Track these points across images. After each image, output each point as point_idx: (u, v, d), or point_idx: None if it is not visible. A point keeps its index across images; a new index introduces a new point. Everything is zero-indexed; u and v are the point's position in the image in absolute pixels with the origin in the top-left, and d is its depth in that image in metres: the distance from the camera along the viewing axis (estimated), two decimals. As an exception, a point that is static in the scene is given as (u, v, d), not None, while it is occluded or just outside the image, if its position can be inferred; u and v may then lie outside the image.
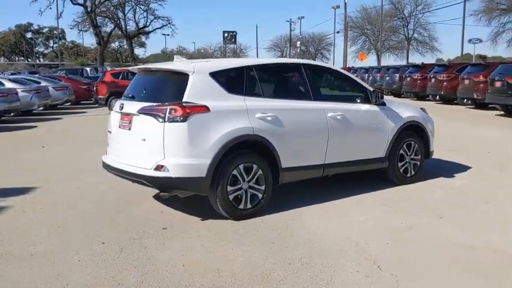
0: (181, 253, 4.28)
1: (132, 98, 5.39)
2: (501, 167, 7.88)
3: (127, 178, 5.30)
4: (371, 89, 6.41)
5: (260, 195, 5.26)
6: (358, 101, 6.25)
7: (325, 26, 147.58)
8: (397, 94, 26.93)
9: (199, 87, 4.99)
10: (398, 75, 27.03)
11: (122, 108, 5.29)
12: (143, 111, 4.99)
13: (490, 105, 18.00)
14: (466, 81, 19.05)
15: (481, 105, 18.46)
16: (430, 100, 23.48)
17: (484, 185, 6.71)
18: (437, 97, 23.02)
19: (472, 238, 4.59)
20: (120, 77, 19.01)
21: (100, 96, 18.65)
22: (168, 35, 51.91)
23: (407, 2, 51.03)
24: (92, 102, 22.03)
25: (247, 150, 5.15)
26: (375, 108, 6.30)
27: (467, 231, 4.78)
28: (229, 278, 3.76)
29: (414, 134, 6.77)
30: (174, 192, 5.07)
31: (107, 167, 5.58)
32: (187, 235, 4.74)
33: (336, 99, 6.09)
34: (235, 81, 5.27)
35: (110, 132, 5.66)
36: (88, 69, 33.22)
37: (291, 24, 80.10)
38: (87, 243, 4.54)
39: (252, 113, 5.18)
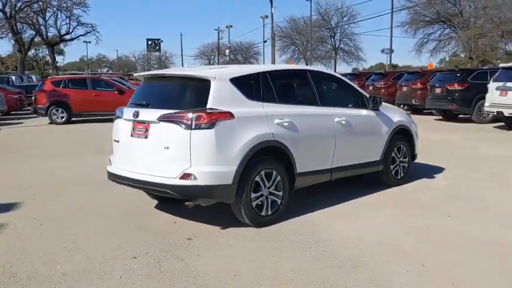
0: (223, 263, 4.16)
1: (146, 105, 5.16)
2: (471, 167, 8.41)
3: (143, 188, 5.08)
4: (367, 94, 6.63)
5: (279, 201, 5.24)
6: (357, 106, 6.42)
7: (254, 34, 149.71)
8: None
9: (221, 93, 4.90)
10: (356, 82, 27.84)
11: (136, 115, 5.05)
12: (165, 119, 4.80)
13: (424, 111, 19.13)
14: (404, 88, 20.13)
15: (417, 110, 19.58)
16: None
17: (467, 184, 7.12)
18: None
19: (493, 234, 4.85)
20: (62, 86, 18.05)
21: (40, 106, 17.56)
22: (90, 42, 49.78)
23: (334, 13, 53.18)
24: (26, 112, 20.74)
25: (267, 156, 5.12)
26: (371, 113, 6.51)
27: (485, 228, 5.03)
28: (289, 286, 3.71)
29: (402, 137, 7.07)
30: (198, 201, 4.92)
31: (116, 177, 5.31)
32: (218, 244, 4.62)
33: (339, 105, 6.22)
34: (253, 87, 5.23)
35: (117, 141, 5.38)
36: (13, 77, 31.22)
37: (219, 33, 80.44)
38: (117, 258, 4.28)
39: (271, 119, 5.17)
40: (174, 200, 5.84)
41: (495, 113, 14.10)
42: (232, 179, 4.77)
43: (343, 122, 6.00)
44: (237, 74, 5.18)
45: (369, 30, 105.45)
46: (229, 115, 4.79)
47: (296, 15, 66.01)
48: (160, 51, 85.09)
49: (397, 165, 6.95)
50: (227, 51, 78.09)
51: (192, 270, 4.01)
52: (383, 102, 6.83)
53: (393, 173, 6.92)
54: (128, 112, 5.24)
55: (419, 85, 19.23)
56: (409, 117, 7.44)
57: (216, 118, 4.70)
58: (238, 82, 5.08)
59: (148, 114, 4.98)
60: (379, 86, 23.16)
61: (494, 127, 14.93)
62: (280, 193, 5.24)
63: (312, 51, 54.23)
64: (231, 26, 76.01)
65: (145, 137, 5.00)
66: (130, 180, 5.11)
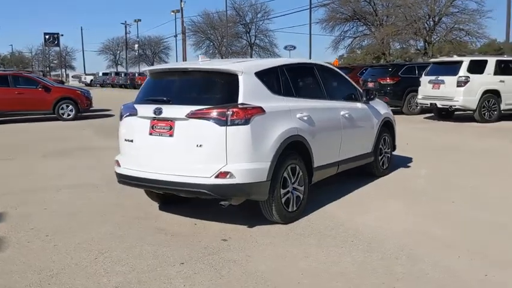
0: (279, 262, 4.03)
1: (167, 101, 4.83)
2: (434, 156, 8.96)
3: (168, 189, 4.77)
4: (360, 88, 6.78)
5: (301, 196, 5.20)
6: (353, 99, 6.54)
7: (165, 29, 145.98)
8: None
9: (250, 88, 4.73)
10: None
11: (159, 112, 4.70)
12: (196, 115, 4.53)
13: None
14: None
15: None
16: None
17: (445, 172, 7.56)
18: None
19: (505, 217, 5.18)
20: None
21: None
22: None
23: (248, 9, 53.63)
24: None
25: (292, 151, 5.05)
26: (364, 106, 6.67)
27: (496, 213, 5.35)
28: (363, 279, 3.69)
29: (386, 129, 7.32)
30: (231, 201, 4.72)
31: (131, 179, 4.94)
32: (258, 244, 4.46)
33: (340, 98, 6.29)
34: (274, 81, 5.11)
35: (130, 140, 4.99)
36: None
37: (126, 27, 77.82)
38: (163, 265, 3.98)
39: (294, 113, 5.10)
40: (179, 200, 5.61)
41: (428, 105, 15.10)
42: (267, 175, 4.64)
43: (347, 115, 6.09)
44: (261, 67, 5.03)
45: (285, 27, 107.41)
46: (261, 110, 4.65)
47: (211, 10, 65.79)
48: (59, 46, 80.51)
49: (383, 156, 7.19)
50: (136, 45, 75.75)
51: (253, 271, 3.84)
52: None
53: (380, 163, 7.15)
54: (145, 109, 4.89)
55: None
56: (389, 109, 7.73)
57: (251, 114, 4.53)
58: (263, 76, 4.94)
59: (173, 110, 4.68)
60: None
61: (425, 118, 15.98)
62: (302, 188, 5.20)
63: (227, 46, 54.28)
64: (140, 20, 73.85)
65: (170, 135, 4.69)
66: (150, 181, 4.77)
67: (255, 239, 4.58)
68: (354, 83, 6.78)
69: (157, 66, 5.43)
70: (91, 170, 7.93)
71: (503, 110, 14.30)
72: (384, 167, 7.24)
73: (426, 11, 33.58)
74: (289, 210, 5.01)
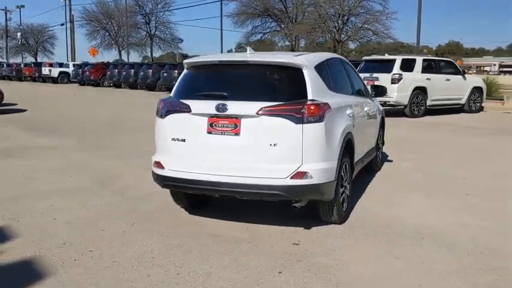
0: (375, 265, 3.87)
1: (227, 97, 4.39)
2: (406, 149, 9.37)
3: (233, 192, 4.38)
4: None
5: (349, 194, 5.10)
6: (363, 94, 6.55)
7: (51, 16, 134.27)
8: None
9: (314, 83, 4.49)
10: (177, 71, 27.33)
11: (223, 109, 4.27)
12: (268, 112, 4.20)
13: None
14: None
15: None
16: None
17: (426, 163, 7.97)
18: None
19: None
20: None
21: None
22: None
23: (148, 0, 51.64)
24: None
25: (345, 149, 4.91)
26: (371, 101, 6.73)
27: None
28: (476, 277, 3.69)
29: (382, 124, 7.48)
30: (301, 202, 4.46)
31: (183, 182, 4.45)
32: (335, 246, 4.24)
33: (359, 94, 6.27)
34: (325, 75, 4.91)
35: (182, 140, 4.47)
36: None
37: (6, 13, 71.13)
38: (263, 277, 3.63)
39: (345, 109, 4.98)
40: (202, 203, 5.22)
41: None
42: (335, 174, 4.46)
43: (366, 110, 6.10)
44: (317, 61, 4.80)
45: (190, 19, 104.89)
46: (329, 106, 4.45)
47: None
48: None
49: (379, 151, 7.34)
50: (18, 34, 69.50)
51: (360, 276, 3.66)
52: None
53: (378, 158, 7.29)
54: (202, 105, 4.41)
55: None
56: None
57: (323, 110, 4.32)
58: (319, 70, 4.72)
59: (240, 107, 4.29)
60: None
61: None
62: (349, 186, 5.10)
63: (124, 37, 51.84)
64: (23, 6, 67.81)
65: (236, 134, 4.29)
66: (210, 184, 4.33)
67: (327, 242, 4.37)
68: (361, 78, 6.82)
69: (205, 58, 4.90)
70: (64, 172, 7.09)
71: (428, 106, 15.43)
72: (379, 162, 7.39)
73: (337, 9, 35.08)
74: (343, 209, 4.89)
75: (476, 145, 10.23)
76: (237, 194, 4.43)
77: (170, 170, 4.53)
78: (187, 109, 4.46)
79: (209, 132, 4.37)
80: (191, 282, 3.54)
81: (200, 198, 5.19)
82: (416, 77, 15.01)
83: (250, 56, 4.71)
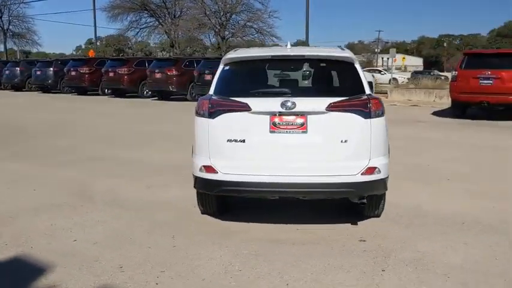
0: (451, 253, 4.01)
1: (289, 94, 4.13)
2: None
3: (303, 193, 4.18)
4: None
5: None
6: None
7: None
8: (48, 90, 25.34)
9: (364, 77, 4.48)
10: (52, 69, 25.10)
11: (290, 106, 4.02)
12: (337, 108, 4.07)
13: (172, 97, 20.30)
14: (158, 75, 20.16)
15: (165, 97, 20.21)
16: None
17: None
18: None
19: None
20: None
21: None
22: None
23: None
24: None
25: None
26: None
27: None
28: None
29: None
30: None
31: (244, 185, 4.12)
32: (402, 239, 4.25)
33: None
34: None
35: (241, 140, 4.11)
36: None
37: None
38: (368, 278, 3.53)
39: None
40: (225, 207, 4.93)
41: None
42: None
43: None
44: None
45: (54, 12, 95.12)
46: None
47: None
48: None
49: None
50: None
51: (455, 264, 3.75)
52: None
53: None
54: (265, 103, 4.12)
55: (174, 72, 19.74)
56: None
57: (382, 104, 4.33)
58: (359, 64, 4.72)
59: (308, 103, 4.08)
60: (83, 71, 23.06)
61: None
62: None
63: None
64: None
65: (303, 132, 4.08)
66: (277, 186, 4.07)
67: (389, 235, 4.38)
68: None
69: (253, 53, 4.53)
70: (21, 186, 6.11)
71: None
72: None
73: (221, 6, 34.99)
74: (382, 203, 4.95)
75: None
76: (302, 194, 4.24)
77: (226, 174, 4.16)
78: (245, 108, 4.12)
79: (272, 131, 4.11)
80: (309, 292, 3.31)
81: (225, 202, 4.86)
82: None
83: (302, 50, 4.53)
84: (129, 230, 4.55)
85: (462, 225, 4.66)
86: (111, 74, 21.92)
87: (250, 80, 4.52)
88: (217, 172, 4.19)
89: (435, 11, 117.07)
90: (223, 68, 4.51)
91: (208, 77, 17.66)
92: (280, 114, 4.09)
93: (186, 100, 19.36)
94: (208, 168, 4.22)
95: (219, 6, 34.76)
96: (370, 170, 4.15)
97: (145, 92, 21.67)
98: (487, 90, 12.72)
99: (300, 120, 4.09)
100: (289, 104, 4.05)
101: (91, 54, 35.73)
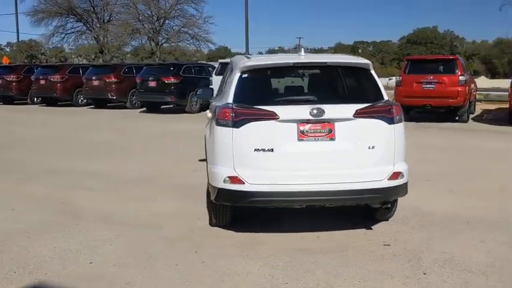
0: (472, 250, 4.16)
1: (315, 101, 4.07)
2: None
3: (332, 201, 4.16)
4: None
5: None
6: None
7: None
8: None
9: (380, 83, 4.55)
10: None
11: (319, 114, 3.97)
12: (363, 115, 4.08)
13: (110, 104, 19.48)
14: (96, 82, 19.29)
15: (101, 105, 19.41)
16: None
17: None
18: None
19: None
20: None
21: None
22: None
23: None
24: None
25: None
26: None
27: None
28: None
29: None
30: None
31: (274, 195, 4.02)
32: (426, 241, 4.34)
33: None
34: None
35: (269, 150, 4.00)
36: None
37: None
38: (414, 281, 3.58)
39: None
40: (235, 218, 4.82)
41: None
42: (404, 173, 4.59)
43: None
44: (365, 62, 4.84)
45: None
46: (396, 107, 4.56)
47: None
48: None
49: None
50: None
51: (485, 261, 3.89)
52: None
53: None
54: (292, 110, 4.04)
55: (113, 79, 19.00)
56: None
57: (401, 110, 4.41)
58: None
59: (335, 110, 4.06)
60: (10, 79, 21.66)
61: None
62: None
63: None
64: None
65: (331, 139, 4.06)
66: (307, 194, 4.02)
67: (411, 238, 4.46)
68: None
69: (272, 61, 4.39)
70: None
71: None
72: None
73: (154, 11, 34.02)
74: (388, 207, 5.04)
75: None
76: (330, 202, 4.22)
77: (253, 185, 4.04)
78: (273, 116, 4.02)
79: (300, 139, 4.04)
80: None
81: (239, 211, 4.73)
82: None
83: (320, 57, 4.51)
84: (143, 247, 4.27)
85: (469, 224, 4.86)
86: (42, 82, 20.56)
87: (273, 87, 4.44)
88: (244, 183, 4.05)
89: (350, 19, 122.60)
90: (241, 75, 4.36)
91: (152, 84, 17.17)
92: (308, 121, 4.04)
93: (125, 108, 18.82)
94: (235, 179, 4.07)
95: (152, 11, 33.95)
96: (396, 175, 4.21)
97: (80, 100, 20.66)
98: (429, 94, 13.47)
99: (327, 128, 4.07)
100: (317, 111, 4.01)
101: (5, 61, 33.40)
